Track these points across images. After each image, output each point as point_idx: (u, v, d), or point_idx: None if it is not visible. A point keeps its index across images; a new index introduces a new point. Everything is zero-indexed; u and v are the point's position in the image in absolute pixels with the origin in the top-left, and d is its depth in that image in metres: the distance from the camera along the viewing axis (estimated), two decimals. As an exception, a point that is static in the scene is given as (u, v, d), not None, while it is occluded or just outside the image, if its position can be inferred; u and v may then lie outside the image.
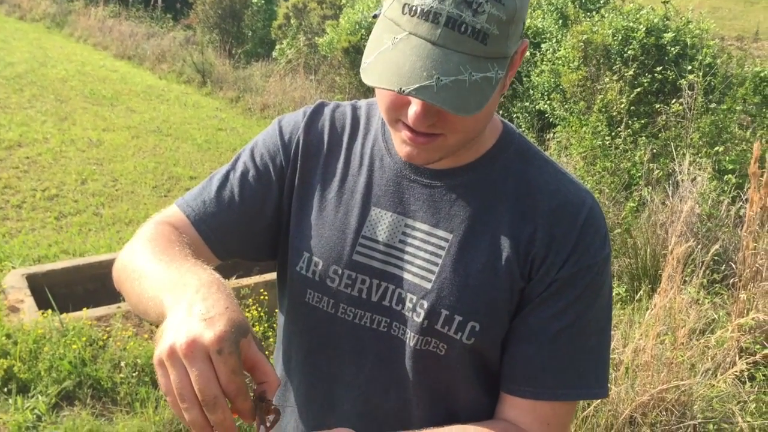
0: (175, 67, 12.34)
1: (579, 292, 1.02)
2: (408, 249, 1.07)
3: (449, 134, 0.96)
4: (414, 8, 0.87)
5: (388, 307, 1.07)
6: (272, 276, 3.91)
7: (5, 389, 3.10)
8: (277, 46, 12.50)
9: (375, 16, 0.96)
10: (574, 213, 1.03)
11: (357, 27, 9.45)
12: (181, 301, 0.83)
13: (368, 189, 1.10)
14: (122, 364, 3.23)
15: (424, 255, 1.06)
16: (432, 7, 0.86)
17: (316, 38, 11.06)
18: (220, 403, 0.76)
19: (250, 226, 1.14)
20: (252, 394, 0.82)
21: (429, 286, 1.04)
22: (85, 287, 4.04)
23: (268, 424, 0.86)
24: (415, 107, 0.91)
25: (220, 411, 0.77)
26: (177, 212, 1.13)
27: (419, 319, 1.04)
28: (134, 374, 3.22)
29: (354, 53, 9.40)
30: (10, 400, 3.05)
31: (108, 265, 4.03)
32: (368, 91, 9.13)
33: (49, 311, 3.41)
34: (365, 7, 9.65)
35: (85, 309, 3.52)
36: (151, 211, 5.70)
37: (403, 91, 0.85)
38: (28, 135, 7.46)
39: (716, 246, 3.71)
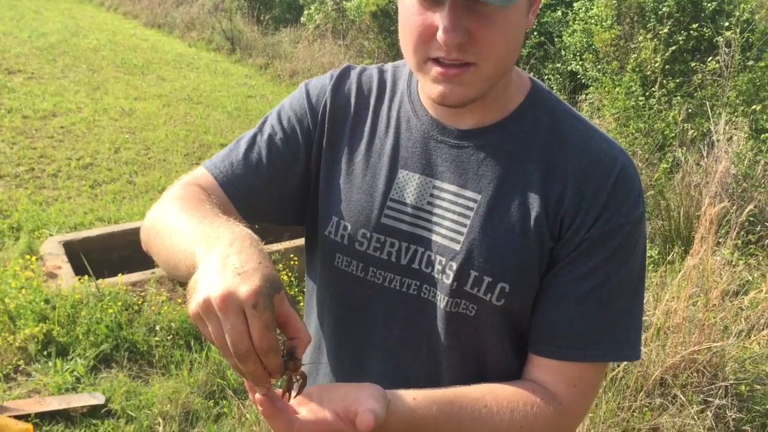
0: (204, 35, 12.38)
1: (610, 252, 1.00)
2: (436, 211, 1.06)
3: (480, 62, 0.94)
4: None
5: (418, 270, 1.07)
6: (302, 242, 3.96)
7: (45, 352, 3.19)
8: (305, 12, 12.41)
9: None
10: (605, 171, 1.01)
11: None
12: (215, 252, 0.83)
13: (395, 151, 1.09)
14: (157, 327, 3.30)
15: (453, 216, 1.05)
16: None
17: (344, 2, 10.97)
18: (251, 356, 0.78)
19: (277, 188, 1.14)
20: (282, 352, 0.83)
21: (458, 247, 1.04)
22: (119, 253, 4.11)
23: (295, 389, 0.88)
24: (443, 23, 0.90)
25: (251, 363, 0.78)
26: (205, 174, 1.13)
27: (449, 281, 1.04)
28: (169, 337, 3.29)
29: (382, 17, 9.32)
30: (50, 363, 3.14)
31: (141, 231, 4.11)
32: (397, 55, 9.06)
33: (86, 277, 3.48)
34: (394, -30, 9.56)
35: (120, 275, 3.59)
36: (184, 178, 5.77)
37: None
38: (62, 105, 7.56)
39: (751, 206, 3.64)
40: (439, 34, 0.90)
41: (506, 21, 0.92)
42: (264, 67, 10.62)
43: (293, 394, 0.89)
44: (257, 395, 0.86)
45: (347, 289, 1.13)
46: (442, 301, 1.06)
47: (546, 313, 1.04)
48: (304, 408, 0.89)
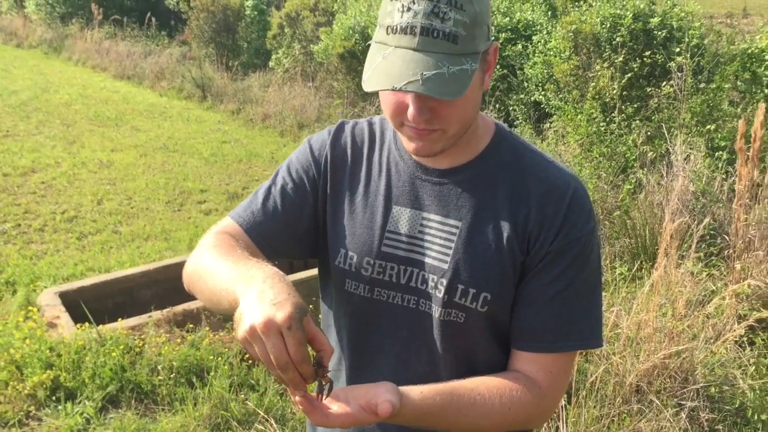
0: (174, 84, 12.56)
1: (570, 260, 1.23)
2: (426, 237, 1.28)
3: (445, 128, 1.17)
4: (394, 27, 1.10)
5: (415, 287, 1.29)
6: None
7: (54, 397, 3.33)
8: (273, 56, 12.67)
9: (368, 45, 1.18)
10: (561, 195, 1.24)
11: (350, 32, 9.61)
12: (252, 289, 1.03)
13: (388, 190, 1.32)
14: (159, 367, 3.46)
15: (440, 241, 1.27)
16: (408, 23, 1.09)
17: (311, 46, 11.21)
18: (290, 367, 0.99)
19: (292, 229, 1.36)
20: (312, 361, 1.03)
21: (446, 266, 1.26)
22: (114, 301, 4.26)
23: (325, 392, 1.08)
24: (411, 106, 1.13)
25: (291, 372, 0.99)
26: (231, 223, 1.35)
27: (441, 295, 1.26)
28: (171, 376, 3.45)
29: (350, 58, 9.57)
30: (60, 407, 3.28)
31: (134, 278, 4.26)
32: (366, 95, 9.30)
33: (86, 324, 3.63)
34: (357, 12, 9.81)
35: (120, 319, 3.75)
36: (168, 225, 5.93)
37: (396, 88, 1.07)
38: (41, 160, 7.70)
39: (707, 219, 3.91)
40: (409, 113, 1.14)
41: (462, 98, 1.13)
42: (236, 112, 10.83)
43: (324, 394, 1.09)
44: (297, 397, 1.06)
45: (358, 307, 1.34)
46: (436, 311, 1.27)
47: (522, 315, 1.26)
48: (334, 405, 1.09)
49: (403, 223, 1.30)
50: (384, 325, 1.33)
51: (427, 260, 1.28)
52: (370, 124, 1.40)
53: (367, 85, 1.12)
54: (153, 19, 16.42)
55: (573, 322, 1.25)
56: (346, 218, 1.34)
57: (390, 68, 1.09)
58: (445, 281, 1.25)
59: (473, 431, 1.22)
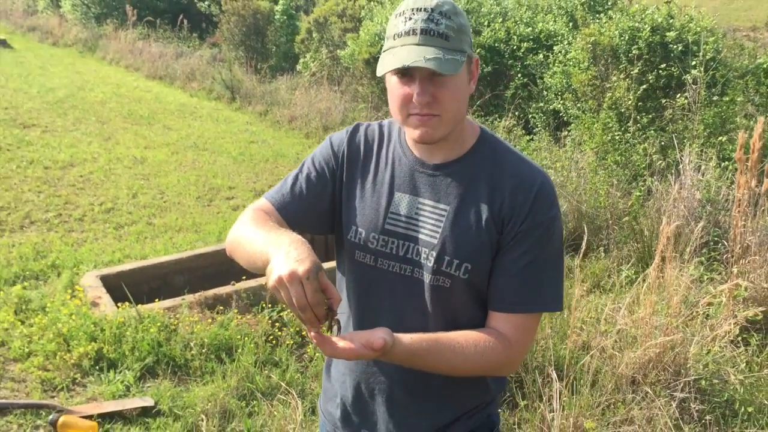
0: (204, 85, 12.95)
1: (535, 239, 1.53)
2: (420, 218, 1.59)
3: (442, 113, 1.48)
4: (400, 33, 1.45)
5: (411, 258, 1.59)
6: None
7: (97, 367, 3.68)
8: (301, 60, 12.98)
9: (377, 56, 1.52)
10: (529, 187, 1.54)
11: (376, 38, 9.87)
12: (281, 250, 1.33)
13: (392, 180, 1.63)
14: (191, 344, 3.80)
15: (431, 221, 1.58)
16: (411, 27, 1.43)
17: (338, 51, 11.49)
18: (307, 308, 1.28)
19: (314, 209, 1.67)
20: (325, 306, 1.33)
21: (436, 241, 1.56)
22: (149, 285, 4.60)
23: (334, 329, 1.38)
24: (416, 88, 1.43)
25: (308, 312, 1.29)
26: (265, 202, 1.67)
27: (431, 264, 1.56)
28: (203, 351, 3.79)
29: (375, 63, 9.67)
30: (102, 376, 3.63)
31: (168, 265, 4.61)
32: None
33: (126, 303, 3.97)
34: (383, 19, 10.05)
35: (156, 300, 4.09)
36: (198, 219, 6.27)
37: (405, 65, 1.39)
38: (78, 155, 8.09)
39: (701, 224, 4.15)
40: (415, 97, 1.45)
41: (455, 86, 1.46)
42: (263, 113, 11.18)
43: (334, 332, 1.39)
44: (312, 333, 1.36)
45: (364, 274, 1.65)
46: (427, 278, 1.58)
47: (497, 283, 1.56)
48: (341, 342, 1.38)
49: (403, 206, 1.60)
50: (385, 288, 1.63)
51: (421, 236, 1.58)
52: (380, 126, 1.72)
53: (380, 70, 1.46)
54: (185, 22, 16.85)
55: (538, 290, 1.55)
56: (358, 201, 1.65)
57: (398, 56, 1.43)
58: (434, 253, 1.55)
59: (453, 372, 1.53)
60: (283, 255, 1.31)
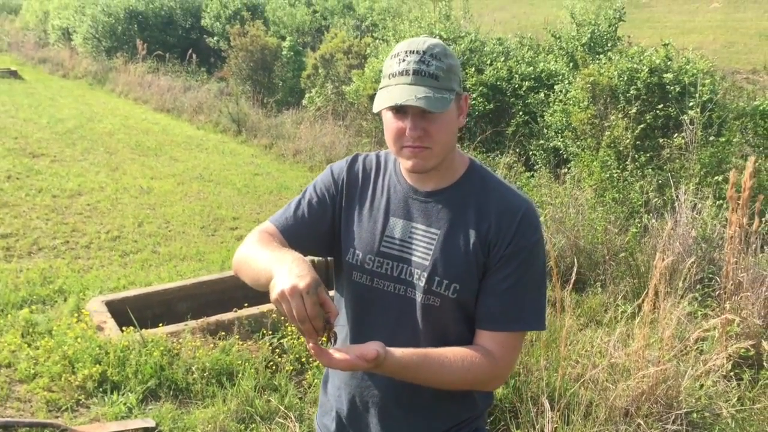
0: (211, 118, 13.13)
1: (519, 262, 1.64)
2: (413, 241, 1.71)
3: (433, 146, 1.60)
4: (394, 73, 1.59)
5: (404, 279, 1.71)
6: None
7: (101, 389, 3.76)
8: (307, 95, 13.18)
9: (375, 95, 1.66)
10: (514, 214, 1.66)
11: (381, 75, 10.02)
12: (284, 267, 1.45)
13: (388, 206, 1.76)
14: (193, 368, 3.89)
15: (423, 244, 1.70)
16: (404, 68, 1.57)
17: (343, 86, 11.68)
18: (307, 320, 1.39)
19: (315, 232, 1.80)
20: (323, 318, 1.43)
21: (427, 263, 1.68)
22: (153, 312, 4.69)
23: (331, 340, 1.49)
24: (409, 124, 1.56)
25: (307, 324, 1.40)
26: (270, 225, 1.80)
27: (422, 284, 1.68)
28: (204, 375, 3.88)
29: (379, 100, 9.98)
30: (106, 398, 3.71)
31: (172, 292, 4.71)
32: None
33: (131, 328, 4.07)
34: (388, 56, 10.24)
35: (160, 325, 4.19)
36: (202, 248, 6.38)
37: (397, 104, 1.53)
38: (86, 185, 8.23)
39: (691, 259, 4.24)
40: (407, 132, 1.59)
41: (444, 121, 1.60)
42: (269, 146, 11.34)
43: (331, 344, 1.49)
44: (310, 344, 1.46)
45: (361, 293, 1.77)
46: (418, 297, 1.69)
47: (483, 303, 1.67)
48: (337, 353, 1.49)
49: (397, 230, 1.73)
50: (380, 306, 1.75)
51: (414, 258, 1.70)
52: (377, 156, 1.85)
53: (376, 107, 1.60)
54: (194, 56, 17.12)
55: (522, 309, 1.66)
56: (356, 225, 1.77)
57: (392, 94, 1.57)
58: (426, 274, 1.67)
59: (441, 385, 1.64)
60: (285, 271, 1.43)
